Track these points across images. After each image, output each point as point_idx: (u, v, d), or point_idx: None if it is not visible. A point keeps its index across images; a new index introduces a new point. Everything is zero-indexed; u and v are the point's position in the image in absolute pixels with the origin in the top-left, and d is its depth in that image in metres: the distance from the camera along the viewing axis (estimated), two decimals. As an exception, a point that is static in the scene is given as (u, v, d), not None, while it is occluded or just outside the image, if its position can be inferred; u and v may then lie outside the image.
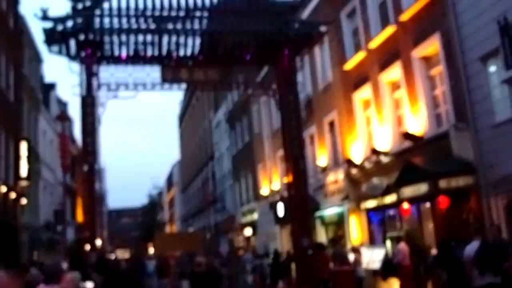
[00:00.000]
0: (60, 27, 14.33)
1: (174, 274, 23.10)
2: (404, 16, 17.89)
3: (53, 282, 6.74)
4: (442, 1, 16.13)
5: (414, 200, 17.07)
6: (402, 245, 16.73)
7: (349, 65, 22.04)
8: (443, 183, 15.00)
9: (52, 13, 14.44)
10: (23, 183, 27.93)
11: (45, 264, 10.58)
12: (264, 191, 34.93)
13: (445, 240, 13.00)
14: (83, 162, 14.56)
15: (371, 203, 20.17)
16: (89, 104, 14.39)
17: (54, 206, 38.38)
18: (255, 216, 37.49)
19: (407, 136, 17.51)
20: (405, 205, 17.28)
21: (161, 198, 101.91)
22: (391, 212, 19.59)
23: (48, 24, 14.24)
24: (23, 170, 27.38)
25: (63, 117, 35.25)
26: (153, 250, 49.19)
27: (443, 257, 11.30)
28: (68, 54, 15.14)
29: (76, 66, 15.08)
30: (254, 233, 39.13)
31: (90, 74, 14.78)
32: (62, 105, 48.83)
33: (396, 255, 16.56)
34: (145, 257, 25.97)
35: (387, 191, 18.58)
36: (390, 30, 18.89)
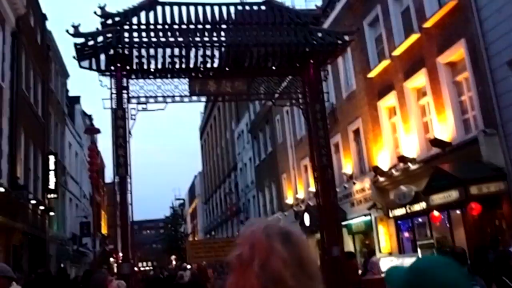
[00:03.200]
0: (90, 43, 14.58)
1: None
2: (428, 23, 17.91)
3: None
4: (467, 7, 16.12)
5: (444, 207, 16.99)
6: (376, 258, 17.32)
7: (373, 73, 22.08)
8: (474, 190, 14.95)
9: (81, 28, 14.72)
10: (51, 196, 28.34)
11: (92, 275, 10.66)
12: (289, 201, 34.95)
13: (481, 246, 12.96)
14: (114, 174, 14.71)
15: (399, 211, 20.07)
16: (120, 117, 14.60)
17: (80, 218, 38.77)
18: (280, 226, 37.44)
19: (434, 142, 17.47)
20: (435, 213, 17.22)
21: (183, 209, 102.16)
22: (421, 219, 19.51)
23: (79, 40, 14.49)
24: (51, 183, 27.80)
25: (93, 130, 35.66)
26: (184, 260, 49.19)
27: (479, 264, 11.25)
28: (98, 69, 15.39)
29: (106, 80, 15.34)
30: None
31: (120, 88, 14.99)
32: (87, 117, 49.47)
33: (371, 268, 16.89)
34: (181, 267, 24.75)
35: (416, 199, 18.51)
36: (414, 37, 18.91)
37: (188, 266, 33.16)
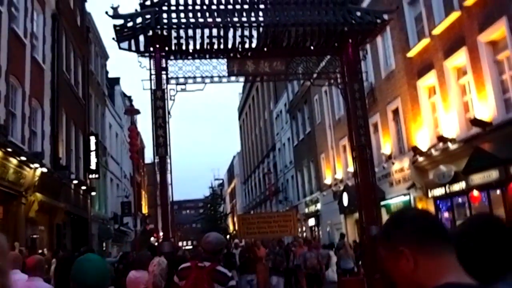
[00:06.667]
0: (129, 24, 14.72)
1: (265, 268, 19.42)
2: (469, 1, 17.58)
3: (141, 269, 7.08)
4: (509, -16, 15.79)
5: (484, 187, 16.84)
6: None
7: (413, 52, 21.83)
8: (514, 169, 14.80)
9: (120, 10, 14.88)
10: (92, 176, 28.90)
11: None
12: (327, 181, 34.95)
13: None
14: (154, 155, 14.93)
15: (439, 191, 19.96)
16: (159, 97, 14.76)
17: (121, 198, 39.42)
18: (318, 206, 37.60)
19: (475, 122, 17.23)
20: (475, 193, 17.04)
21: (222, 189, 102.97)
22: (460, 199, 19.36)
23: (118, 22, 14.66)
24: (92, 164, 28.33)
25: (132, 110, 36.08)
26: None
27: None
28: (137, 50, 15.55)
29: (145, 61, 15.49)
30: (318, 223, 39.24)
31: (159, 68, 15.12)
32: (127, 98, 50.09)
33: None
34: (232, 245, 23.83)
35: (455, 179, 18.37)
36: (454, 15, 18.60)
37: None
